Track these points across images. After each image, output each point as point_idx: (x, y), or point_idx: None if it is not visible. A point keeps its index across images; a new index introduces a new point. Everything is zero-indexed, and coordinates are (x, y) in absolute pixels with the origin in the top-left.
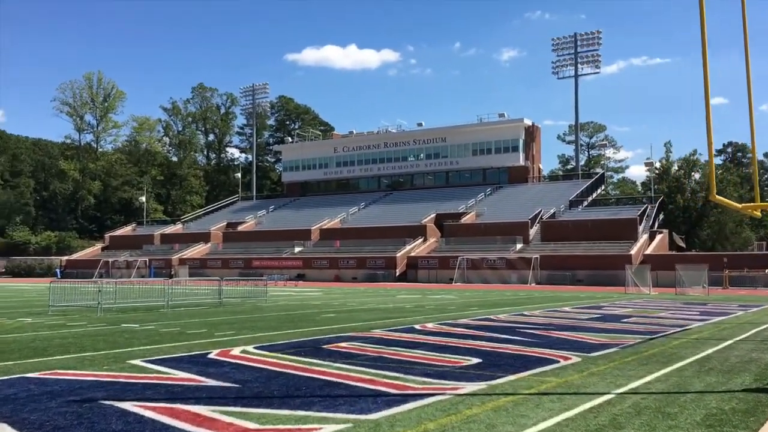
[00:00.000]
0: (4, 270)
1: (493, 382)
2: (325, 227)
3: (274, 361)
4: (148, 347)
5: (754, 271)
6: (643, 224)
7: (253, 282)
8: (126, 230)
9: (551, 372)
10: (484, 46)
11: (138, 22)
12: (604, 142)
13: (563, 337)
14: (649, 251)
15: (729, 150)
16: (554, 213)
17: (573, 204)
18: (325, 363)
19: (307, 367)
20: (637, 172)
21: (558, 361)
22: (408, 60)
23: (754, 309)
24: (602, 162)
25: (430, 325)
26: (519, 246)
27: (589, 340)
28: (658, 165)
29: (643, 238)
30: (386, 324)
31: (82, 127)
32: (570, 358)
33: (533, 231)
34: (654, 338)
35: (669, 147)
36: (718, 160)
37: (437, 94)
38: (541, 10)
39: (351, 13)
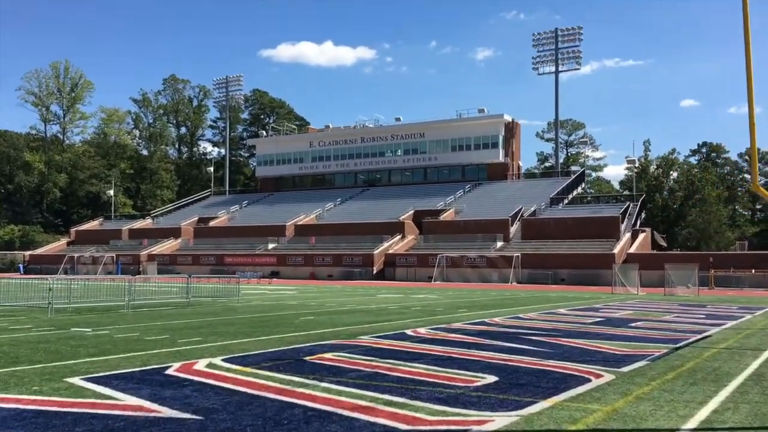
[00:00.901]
0: None
1: (526, 412)
2: (300, 223)
3: (247, 379)
4: (94, 359)
5: (740, 271)
6: (625, 222)
7: (224, 279)
8: (93, 225)
9: (589, 396)
10: (460, 44)
11: (108, 11)
12: (584, 140)
13: (577, 345)
14: (632, 250)
15: (704, 150)
16: (535, 211)
17: (554, 202)
18: (310, 382)
19: (288, 388)
20: (612, 172)
21: (589, 379)
22: (384, 57)
23: (759, 312)
24: (581, 160)
25: (422, 331)
26: (499, 244)
27: (608, 350)
28: (637, 163)
29: (626, 236)
30: (373, 329)
31: (48, 118)
32: (601, 375)
33: (514, 229)
34: (679, 348)
35: (648, 146)
36: (693, 160)
37: (414, 92)
38: (517, 9)
39: (327, 10)
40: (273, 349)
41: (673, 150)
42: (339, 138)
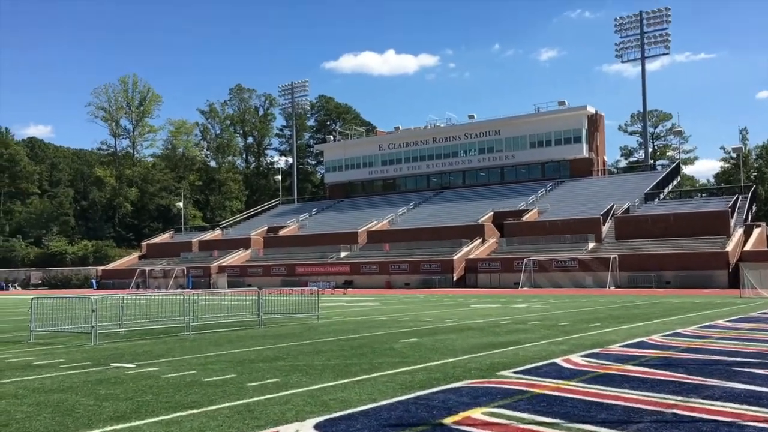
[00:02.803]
0: (41, 281)
1: None
2: (372, 230)
3: None
4: (118, 426)
5: None
6: (735, 217)
7: (298, 291)
8: (163, 238)
9: None
10: (524, 46)
11: (174, 24)
12: (677, 129)
13: None
14: (748, 248)
15: None
16: (628, 208)
17: (648, 197)
18: None
19: None
20: (701, 167)
21: None
22: (447, 64)
23: None
24: (668, 153)
25: (579, 360)
26: (591, 245)
27: None
28: (733, 153)
29: (738, 232)
30: (507, 357)
31: (118, 133)
32: None
33: (606, 228)
34: None
35: (745, 134)
36: None
37: (482, 95)
38: (581, 8)
39: (388, 19)
40: (388, 401)
41: None
42: (409, 140)
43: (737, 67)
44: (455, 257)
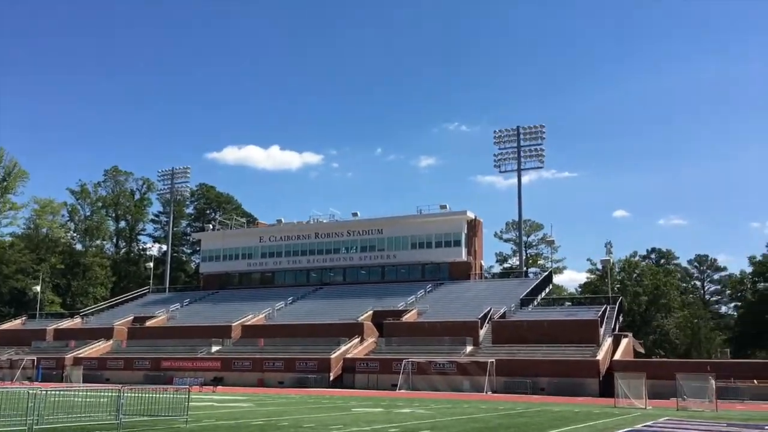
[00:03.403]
0: None
1: None
2: (247, 324)
3: None
4: None
5: (740, 381)
6: (604, 326)
7: (161, 389)
8: (14, 324)
9: None
10: (405, 152)
11: (50, 99)
12: (550, 239)
13: None
14: (617, 357)
15: (653, 256)
16: (505, 312)
17: (524, 303)
18: None
19: None
20: (565, 277)
21: None
22: (330, 163)
23: None
24: (540, 262)
25: None
26: (469, 348)
27: None
28: (599, 266)
29: (608, 341)
30: None
31: None
32: None
33: (483, 332)
34: None
35: (610, 248)
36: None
37: (362, 196)
38: (458, 121)
39: (273, 114)
40: None
41: (635, 253)
42: (291, 233)
43: (598, 186)
44: (333, 356)
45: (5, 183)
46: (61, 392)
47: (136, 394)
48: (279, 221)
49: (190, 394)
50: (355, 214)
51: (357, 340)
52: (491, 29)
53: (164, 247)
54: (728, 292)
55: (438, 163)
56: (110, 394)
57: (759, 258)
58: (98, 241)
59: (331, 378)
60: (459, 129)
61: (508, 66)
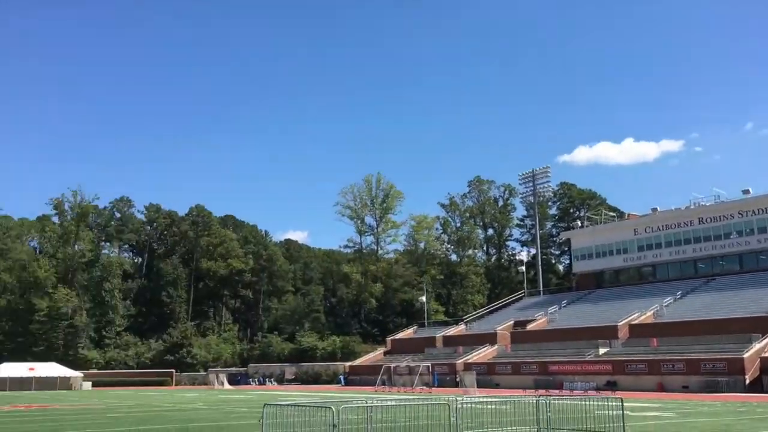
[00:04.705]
0: (294, 377)
1: None
2: (635, 323)
3: None
4: None
5: None
6: None
7: (579, 393)
8: (407, 333)
9: None
10: None
11: (413, 128)
12: None
13: None
14: None
15: None
16: None
17: None
18: None
19: None
20: None
21: None
22: (692, 147)
23: None
24: None
25: None
26: None
27: None
28: None
29: None
30: None
31: (363, 230)
32: None
33: None
34: None
35: None
36: None
37: (731, 179)
38: None
39: (624, 108)
40: None
41: None
42: (670, 222)
43: None
44: (745, 356)
45: (385, 204)
46: (559, 400)
47: (558, 401)
48: (654, 210)
49: (623, 402)
50: (746, 192)
51: None
52: None
53: (532, 251)
54: None
55: None
56: (519, 399)
57: None
58: (470, 251)
59: (747, 381)
60: None
61: None
